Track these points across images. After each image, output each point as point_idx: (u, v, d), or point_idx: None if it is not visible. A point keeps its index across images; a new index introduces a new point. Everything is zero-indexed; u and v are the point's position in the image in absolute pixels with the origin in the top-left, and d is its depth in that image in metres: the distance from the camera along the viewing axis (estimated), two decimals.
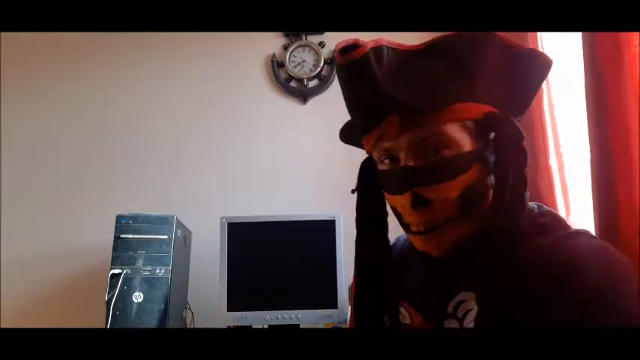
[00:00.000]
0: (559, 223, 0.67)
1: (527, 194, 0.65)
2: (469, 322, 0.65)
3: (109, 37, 2.05)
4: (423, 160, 0.65)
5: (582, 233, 0.64)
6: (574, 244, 0.61)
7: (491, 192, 0.66)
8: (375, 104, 0.66)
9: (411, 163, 0.66)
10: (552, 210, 0.70)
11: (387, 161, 0.70)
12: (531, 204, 0.70)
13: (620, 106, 0.91)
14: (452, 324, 0.67)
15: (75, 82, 2.08)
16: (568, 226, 0.66)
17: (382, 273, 0.74)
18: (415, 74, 0.65)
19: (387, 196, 0.72)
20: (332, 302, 1.60)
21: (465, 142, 0.65)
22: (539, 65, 0.69)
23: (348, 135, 0.80)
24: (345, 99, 0.71)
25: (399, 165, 0.67)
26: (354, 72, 0.66)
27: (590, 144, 1.00)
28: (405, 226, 0.70)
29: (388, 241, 0.77)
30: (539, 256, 0.59)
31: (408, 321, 0.74)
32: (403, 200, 0.67)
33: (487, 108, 0.66)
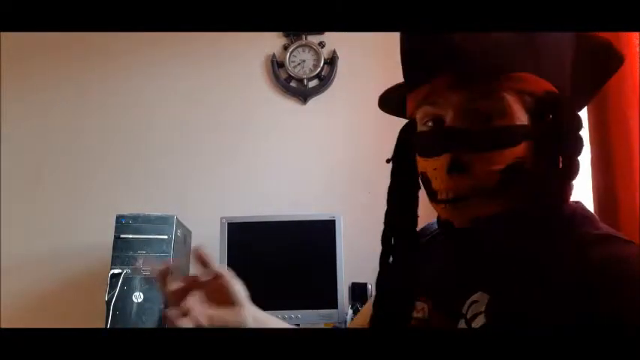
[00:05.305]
0: (592, 221, 0.62)
1: (572, 185, 0.61)
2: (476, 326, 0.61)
3: (109, 38, 2.05)
4: (471, 124, 0.60)
5: (613, 237, 0.59)
6: (608, 251, 0.56)
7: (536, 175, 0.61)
8: (432, 57, 0.61)
9: (457, 125, 0.60)
10: (585, 207, 0.65)
11: (430, 123, 0.64)
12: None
13: (620, 106, 0.91)
14: (462, 325, 0.62)
15: (75, 82, 2.08)
16: (598, 226, 0.61)
17: (406, 249, 0.70)
18: (477, 35, 0.59)
19: (419, 160, 0.66)
20: (332, 302, 1.60)
21: (520, 114, 0.60)
22: (610, 60, 0.64)
23: (388, 99, 0.75)
24: (402, 50, 0.66)
25: (444, 126, 0.62)
26: None
27: (590, 144, 1.00)
28: (432, 193, 0.65)
29: (417, 215, 0.71)
30: (569, 258, 0.55)
31: (422, 315, 0.69)
32: (438, 163, 0.62)
33: (549, 86, 0.61)
